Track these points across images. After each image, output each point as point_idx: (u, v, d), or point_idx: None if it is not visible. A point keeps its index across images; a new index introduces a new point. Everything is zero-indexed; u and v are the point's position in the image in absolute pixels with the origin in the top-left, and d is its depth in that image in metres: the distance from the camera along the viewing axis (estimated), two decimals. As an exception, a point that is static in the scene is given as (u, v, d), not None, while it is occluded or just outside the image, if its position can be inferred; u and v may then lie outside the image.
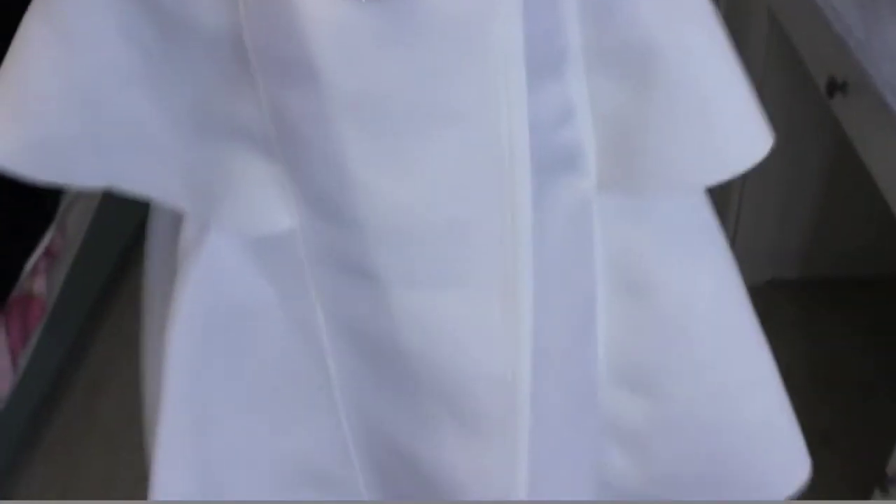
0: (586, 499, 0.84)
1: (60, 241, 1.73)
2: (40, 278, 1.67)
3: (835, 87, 1.22)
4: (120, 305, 2.07)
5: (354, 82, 0.54)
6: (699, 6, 0.60)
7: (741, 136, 0.62)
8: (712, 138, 0.61)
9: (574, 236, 0.65)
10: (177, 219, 0.65)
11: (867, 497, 1.24)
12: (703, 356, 0.75)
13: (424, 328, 0.62)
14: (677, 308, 0.72)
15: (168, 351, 0.65)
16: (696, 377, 0.76)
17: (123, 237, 2.16)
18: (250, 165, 0.60)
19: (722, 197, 1.30)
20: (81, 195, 1.81)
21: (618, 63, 0.59)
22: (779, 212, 1.76)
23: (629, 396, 0.77)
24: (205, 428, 0.70)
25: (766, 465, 0.83)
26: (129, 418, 1.80)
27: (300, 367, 0.69)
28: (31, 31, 0.59)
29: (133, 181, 0.62)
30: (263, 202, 0.59)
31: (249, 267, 0.63)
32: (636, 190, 0.64)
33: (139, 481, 1.65)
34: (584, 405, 0.77)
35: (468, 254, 0.58)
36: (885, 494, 1.19)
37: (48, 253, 1.69)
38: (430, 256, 0.58)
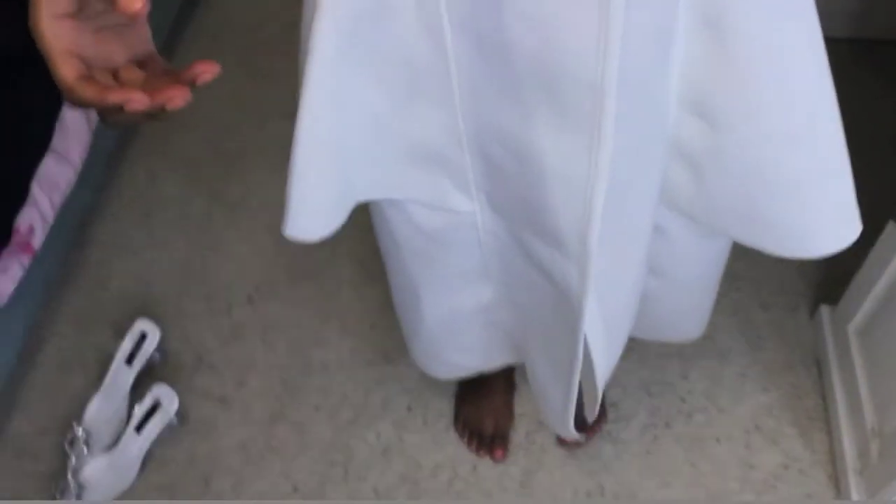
0: (651, 202, 0.94)
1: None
2: (119, 8, 1.75)
3: None
4: (189, 40, 2.17)
5: None
6: None
7: None
8: None
9: None
10: None
11: (881, 228, 1.36)
12: (769, 99, 0.79)
13: (531, 28, 0.69)
14: (751, 48, 0.75)
15: (315, 32, 0.74)
16: (760, 118, 0.80)
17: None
18: None
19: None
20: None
21: None
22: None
23: (694, 121, 0.84)
24: (342, 100, 0.81)
25: (814, 218, 0.88)
26: (201, 143, 1.95)
27: (426, 61, 0.78)
28: None
29: None
30: None
31: None
32: None
33: (213, 200, 1.82)
34: (658, 116, 0.84)
35: None
36: (897, 226, 1.31)
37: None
38: None
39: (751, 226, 0.91)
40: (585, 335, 1.00)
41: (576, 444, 1.47)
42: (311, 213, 0.90)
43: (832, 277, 1.67)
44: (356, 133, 0.86)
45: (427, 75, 0.80)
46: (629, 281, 1.05)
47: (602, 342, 1.06)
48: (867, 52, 1.96)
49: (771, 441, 1.48)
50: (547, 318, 1.05)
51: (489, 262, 1.06)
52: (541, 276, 0.98)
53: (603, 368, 1.11)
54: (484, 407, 1.49)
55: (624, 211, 0.90)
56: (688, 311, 1.27)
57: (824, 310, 1.57)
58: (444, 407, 1.53)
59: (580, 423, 1.45)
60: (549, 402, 1.21)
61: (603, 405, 1.50)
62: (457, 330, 1.20)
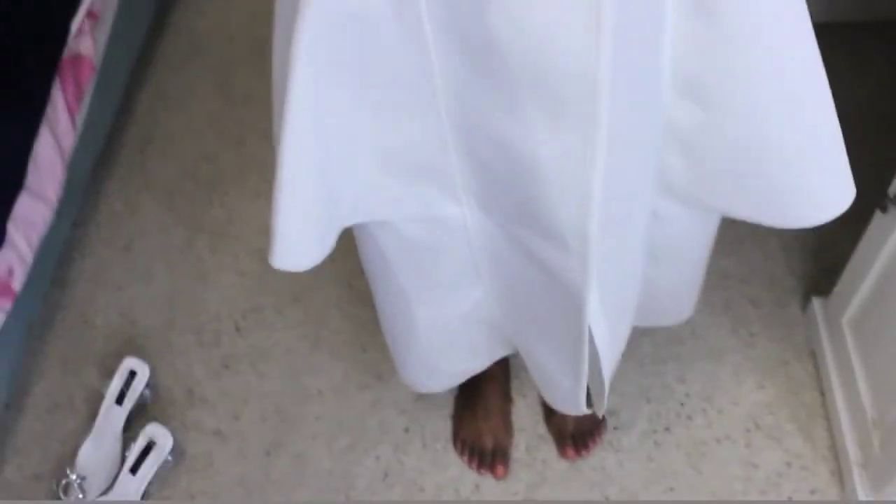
0: (648, 190, 0.93)
1: (100, 1, 1.77)
2: (86, 38, 1.72)
3: None
4: (159, 65, 2.14)
5: None
6: None
7: None
8: None
9: None
10: None
11: (869, 216, 1.35)
12: (759, 74, 0.80)
13: (520, 29, 0.68)
14: (740, 28, 0.76)
15: (294, 54, 0.72)
16: (750, 92, 0.81)
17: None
18: None
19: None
20: (114, -45, 1.83)
21: None
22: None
23: (686, 104, 0.84)
24: (324, 122, 0.79)
25: (809, 186, 0.89)
26: (179, 171, 1.92)
27: (408, 69, 0.77)
28: None
29: None
30: None
31: None
32: None
33: (194, 229, 1.79)
34: (650, 105, 0.84)
35: None
36: (884, 214, 1.30)
37: (90, 14, 1.74)
38: None
39: (748, 200, 0.91)
40: (589, 326, 1.00)
41: (578, 456, 1.46)
42: (299, 243, 0.89)
43: (820, 270, 1.66)
44: (340, 155, 0.84)
45: (409, 84, 0.79)
46: (630, 270, 1.05)
47: (606, 333, 1.06)
48: (836, 36, 1.95)
49: (772, 438, 1.48)
50: (546, 310, 1.05)
51: (479, 261, 1.05)
52: (538, 269, 0.97)
53: (609, 359, 1.10)
54: (482, 424, 1.47)
55: (622, 201, 0.90)
56: (682, 293, 1.27)
57: (816, 302, 1.56)
58: (442, 427, 1.51)
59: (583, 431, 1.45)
60: (556, 387, 1.20)
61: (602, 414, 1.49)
62: (451, 336, 1.19)
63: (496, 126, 0.80)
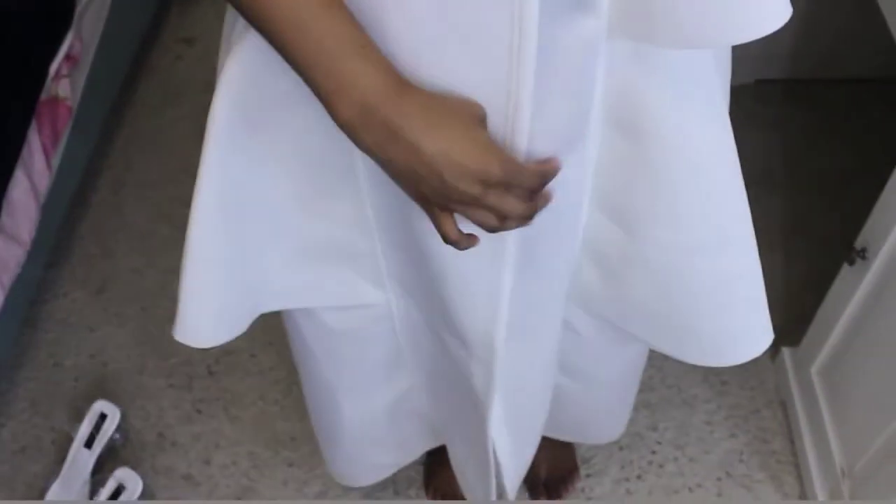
0: (560, 302, 0.90)
1: (79, 45, 1.78)
2: (64, 82, 1.73)
3: None
4: (135, 109, 2.14)
5: None
6: None
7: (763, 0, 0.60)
8: None
9: (578, 70, 0.67)
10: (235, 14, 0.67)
11: (836, 272, 1.38)
12: (684, 207, 0.76)
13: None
14: (666, 156, 0.73)
15: (208, 128, 0.70)
16: (675, 226, 0.77)
17: (134, 43, 2.20)
18: None
19: None
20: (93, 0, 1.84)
21: None
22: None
23: (608, 224, 0.81)
24: (237, 201, 0.76)
25: (729, 326, 0.86)
26: (153, 214, 1.92)
27: (330, 158, 0.75)
28: None
29: None
30: None
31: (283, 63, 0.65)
32: (646, 41, 0.64)
33: (168, 272, 1.78)
34: (569, 224, 0.81)
35: (480, 67, 0.61)
36: (851, 267, 1.33)
37: (69, 57, 1.74)
38: (447, 64, 0.62)
39: (664, 332, 0.88)
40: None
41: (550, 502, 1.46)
42: (201, 322, 0.85)
43: (790, 319, 1.68)
44: (257, 237, 0.81)
45: (331, 165, 0.76)
46: (537, 381, 1.02)
47: (508, 445, 1.05)
48: (805, 91, 2.01)
49: (743, 487, 1.49)
50: (460, 408, 1.04)
51: (405, 349, 1.03)
52: (453, 365, 0.95)
53: (512, 471, 1.09)
54: (454, 471, 1.47)
55: (531, 314, 0.87)
56: (605, 413, 1.26)
57: (786, 352, 1.59)
58: (413, 473, 1.51)
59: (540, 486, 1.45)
60: (472, 489, 1.20)
61: (575, 462, 1.49)
62: (379, 428, 1.16)
63: (412, 219, 0.77)
